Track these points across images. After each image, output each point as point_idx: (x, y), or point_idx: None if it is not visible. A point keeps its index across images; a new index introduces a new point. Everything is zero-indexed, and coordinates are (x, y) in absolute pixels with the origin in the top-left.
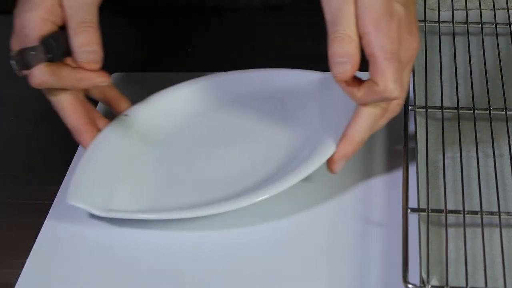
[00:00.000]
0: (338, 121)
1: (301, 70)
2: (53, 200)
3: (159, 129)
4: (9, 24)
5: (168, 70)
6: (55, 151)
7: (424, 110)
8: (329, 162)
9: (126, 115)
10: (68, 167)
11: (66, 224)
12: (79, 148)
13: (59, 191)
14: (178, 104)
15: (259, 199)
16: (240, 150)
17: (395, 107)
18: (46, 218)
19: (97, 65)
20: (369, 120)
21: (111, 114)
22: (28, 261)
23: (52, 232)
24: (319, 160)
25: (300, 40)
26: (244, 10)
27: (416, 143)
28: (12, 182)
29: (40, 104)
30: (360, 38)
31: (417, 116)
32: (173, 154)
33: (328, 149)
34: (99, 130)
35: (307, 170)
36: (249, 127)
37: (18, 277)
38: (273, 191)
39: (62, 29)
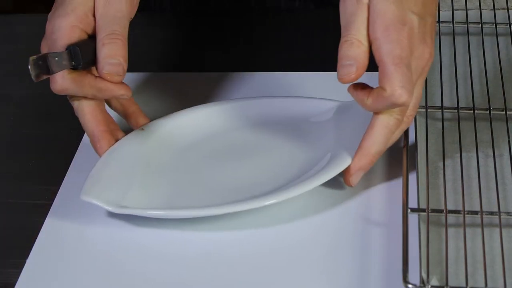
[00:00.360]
0: (353, 144)
1: (320, 98)
2: (53, 200)
3: (177, 140)
4: (9, 24)
5: (168, 70)
6: (55, 151)
7: (424, 110)
8: (346, 174)
9: (142, 130)
10: (68, 167)
11: (66, 224)
12: (79, 149)
13: (59, 191)
14: (197, 122)
15: (267, 203)
16: (255, 163)
17: (409, 118)
18: (46, 218)
19: (120, 78)
20: (383, 132)
21: (128, 129)
22: (28, 261)
23: (52, 232)
24: (331, 173)
25: (308, 41)
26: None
27: (416, 143)
28: (12, 182)
29: (40, 104)
30: (371, 44)
31: (417, 116)
32: (189, 161)
33: (342, 163)
34: (116, 140)
35: (318, 181)
36: (265, 145)
37: (18, 277)
38: (280, 197)
39: (91, 38)
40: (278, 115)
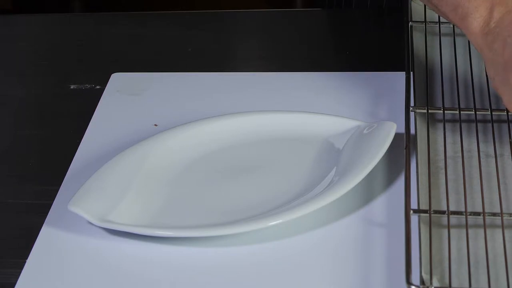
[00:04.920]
0: (359, 163)
1: (327, 115)
2: (53, 200)
3: (180, 156)
4: (9, 24)
5: (168, 70)
6: (55, 151)
7: (425, 111)
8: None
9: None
10: (68, 167)
11: (66, 224)
12: (80, 148)
13: (59, 191)
14: (202, 137)
15: (270, 224)
16: (258, 181)
17: None
18: (46, 218)
19: None
20: None
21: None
22: (28, 261)
23: (52, 232)
24: (338, 193)
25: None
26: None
27: (417, 144)
28: (12, 182)
29: (40, 104)
30: None
31: (418, 117)
32: (191, 178)
33: (350, 182)
34: None
35: (323, 201)
36: (270, 162)
37: (18, 277)
38: (283, 218)
39: None
40: (289, 131)
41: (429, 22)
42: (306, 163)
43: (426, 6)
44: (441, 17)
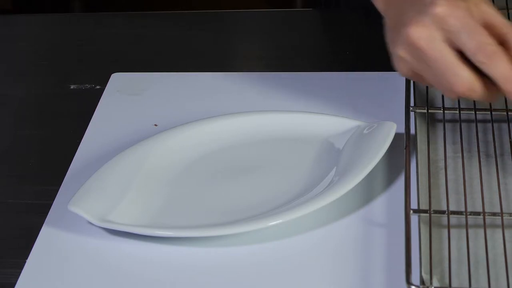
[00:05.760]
0: (359, 163)
1: (327, 115)
2: (53, 200)
3: (180, 156)
4: (9, 24)
5: (168, 70)
6: (55, 151)
7: (425, 111)
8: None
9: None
10: (68, 167)
11: (66, 224)
12: (80, 148)
13: (59, 191)
14: (202, 137)
15: (269, 224)
16: (258, 181)
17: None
18: (46, 218)
19: None
20: None
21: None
22: (28, 261)
23: (52, 232)
24: (337, 193)
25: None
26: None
27: (417, 144)
28: (12, 182)
29: (40, 104)
30: None
31: (418, 117)
32: (191, 178)
33: (350, 182)
34: None
35: (323, 201)
36: (271, 162)
37: (18, 277)
38: (283, 218)
39: None
40: (289, 131)
41: None
42: (306, 163)
43: None
44: None
